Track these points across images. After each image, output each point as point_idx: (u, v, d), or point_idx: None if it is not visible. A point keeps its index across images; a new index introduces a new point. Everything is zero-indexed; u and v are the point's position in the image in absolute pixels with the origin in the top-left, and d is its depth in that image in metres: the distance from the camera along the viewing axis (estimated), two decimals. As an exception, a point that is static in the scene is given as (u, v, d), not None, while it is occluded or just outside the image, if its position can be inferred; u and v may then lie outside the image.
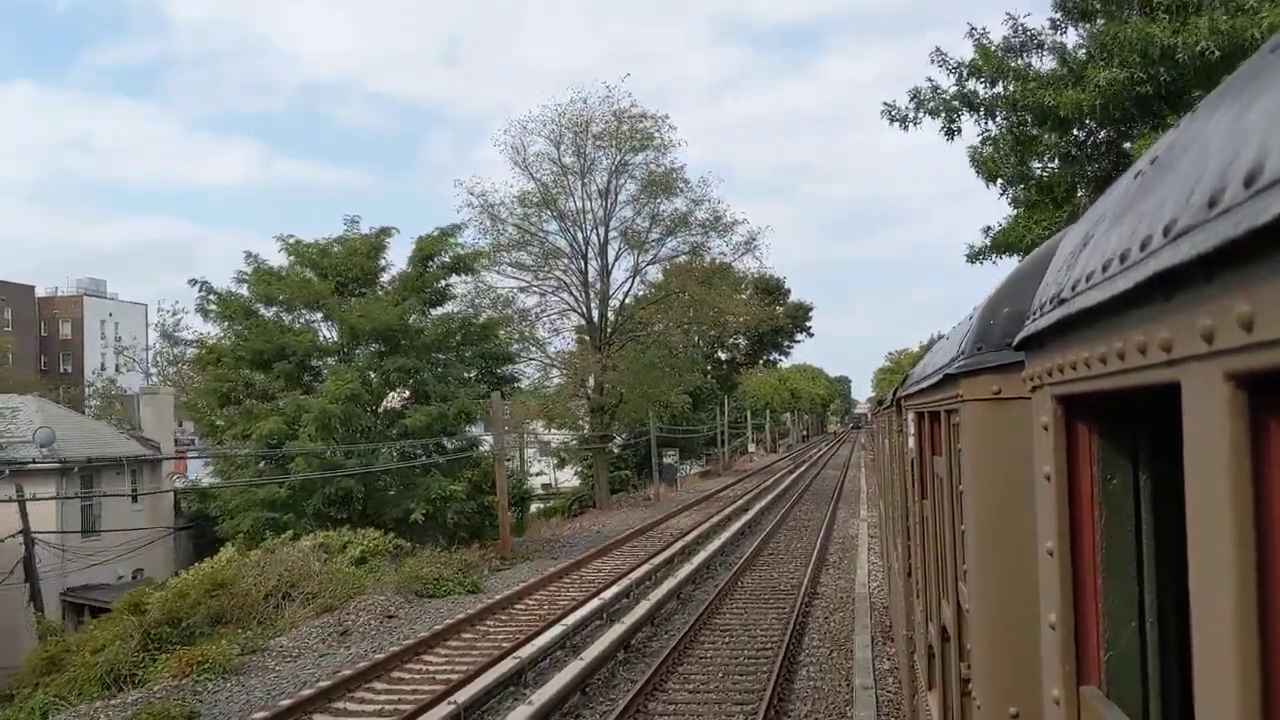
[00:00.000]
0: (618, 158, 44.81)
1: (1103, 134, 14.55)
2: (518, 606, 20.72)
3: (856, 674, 13.89)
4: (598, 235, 46.18)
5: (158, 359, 39.69)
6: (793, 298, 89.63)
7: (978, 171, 15.86)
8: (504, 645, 16.64)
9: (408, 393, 31.14)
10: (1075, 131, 14.74)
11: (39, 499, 26.43)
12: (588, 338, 46.27)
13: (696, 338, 59.65)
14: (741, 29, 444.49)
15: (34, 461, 28.79)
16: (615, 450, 54.45)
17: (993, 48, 15.39)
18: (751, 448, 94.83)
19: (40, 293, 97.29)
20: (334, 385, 27.04)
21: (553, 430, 49.29)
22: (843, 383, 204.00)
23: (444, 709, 12.22)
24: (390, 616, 20.13)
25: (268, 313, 29.80)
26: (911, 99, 15.29)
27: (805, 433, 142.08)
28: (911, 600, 7.00)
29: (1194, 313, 0.98)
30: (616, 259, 46.80)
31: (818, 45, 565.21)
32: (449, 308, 33.64)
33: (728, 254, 48.60)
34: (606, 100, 43.91)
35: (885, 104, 15.74)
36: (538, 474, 55.50)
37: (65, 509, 29.87)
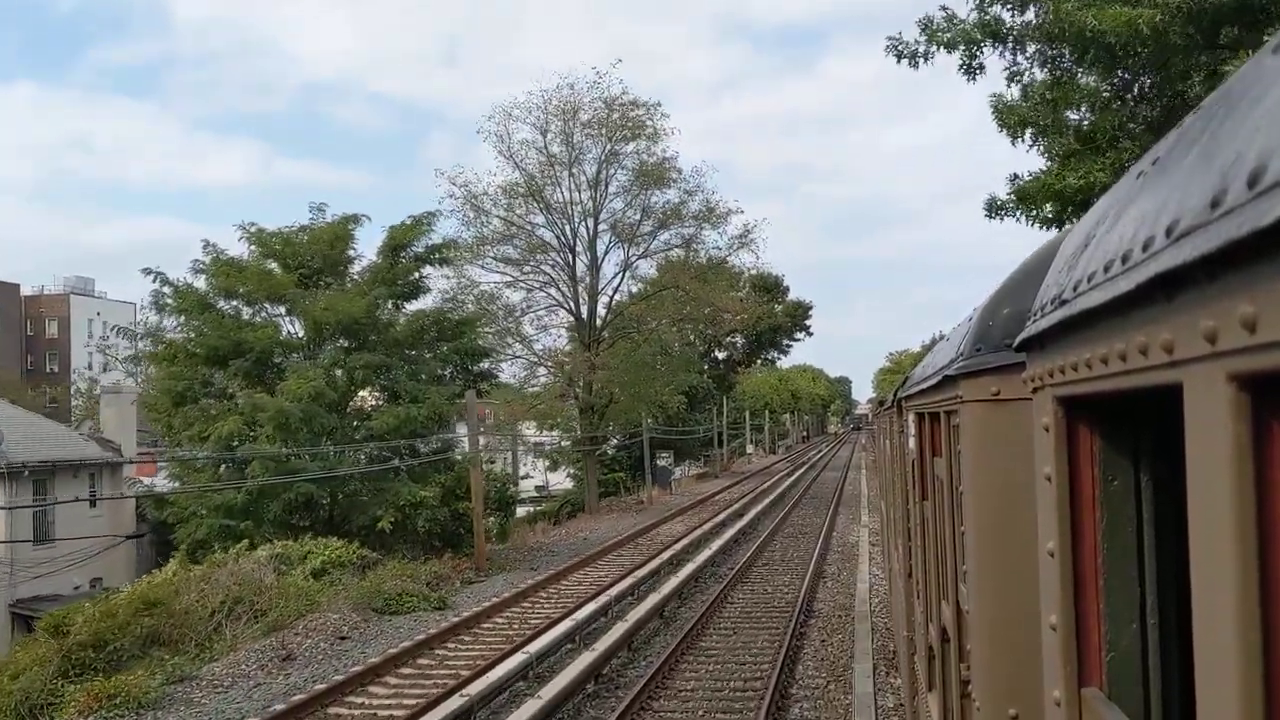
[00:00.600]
0: (608, 147, 42.76)
1: (1152, 78, 12.10)
2: (484, 625, 18.95)
3: (857, 714, 12.09)
4: (587, 228, 44.23)
5: (122, 356, 37.74)
6: (792, 296, 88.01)
7: (1001, 125, 13.29)
8: (462, 674, 14.93)
9: (380, 392, 29.38)
10: (1121, 73, 12.32)
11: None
12: (577, 334, 44.43)
13: (692, 335, 57.82)
14: (742, 29, 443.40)
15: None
16: (609, 452, 52.68)
17: None
18: (750, 449, 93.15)
19: (26, 291, 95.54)
20: (295, 384, 25.14)
21: (544, 431, 47.63)
22: (843, 383, 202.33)
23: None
24: (343, 638, 18.27)
25: (227, 306, 27.87)
26: (922, 30, 12.78)
27: (805, 434, 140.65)
28: (912, 601, 7.00)
29: (1196, 314, 0.99)
30: (606, 253, 44.87)
31: (818, 45, 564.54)
32: (427, 302, 31.80)
33: (722, 248, 46.71)
34: (596, 86, 41.87)
35: (890, 39, 13.44)
36: (524, 476, 53.63)
37: (14, 515, 28.22)
